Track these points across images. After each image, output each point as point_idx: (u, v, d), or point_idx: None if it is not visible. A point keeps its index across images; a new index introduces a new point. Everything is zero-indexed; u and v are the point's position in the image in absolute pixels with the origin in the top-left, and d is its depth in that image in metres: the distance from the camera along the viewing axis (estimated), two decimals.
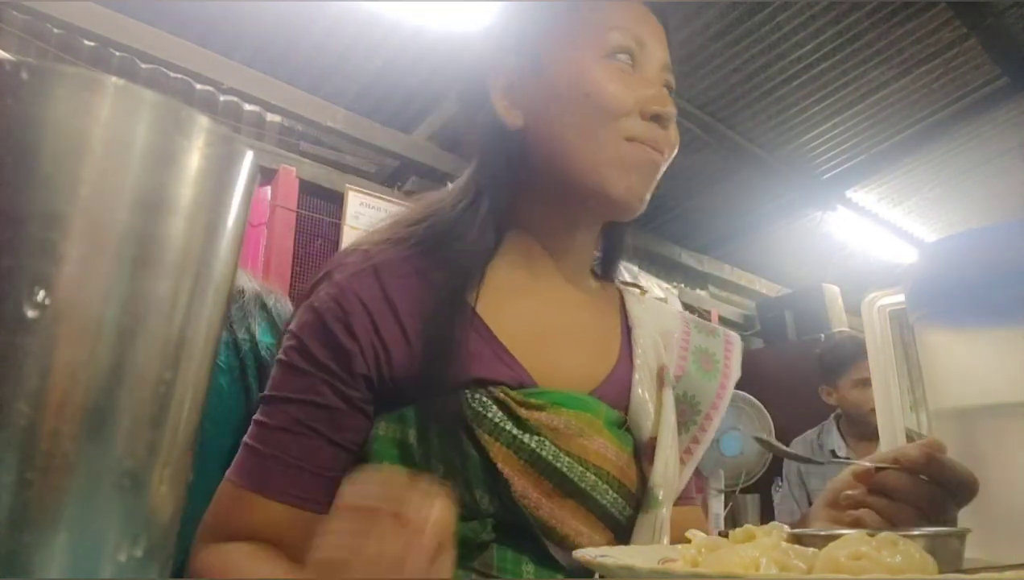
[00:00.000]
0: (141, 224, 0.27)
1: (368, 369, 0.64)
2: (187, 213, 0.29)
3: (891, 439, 0.82)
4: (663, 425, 0.72)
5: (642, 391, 0.72)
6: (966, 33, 3.03)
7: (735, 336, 0.87)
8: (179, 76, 2.55)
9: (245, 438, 0.65)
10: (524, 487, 0.62)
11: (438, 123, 3.03)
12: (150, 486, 0.28)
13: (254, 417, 0.65)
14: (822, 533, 0.44)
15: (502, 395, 0.64)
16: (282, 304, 0.87)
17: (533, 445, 0.63)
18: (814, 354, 2.74)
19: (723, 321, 4.46)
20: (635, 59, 0.70)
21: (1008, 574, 0.41)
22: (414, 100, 2.95)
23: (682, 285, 4.33)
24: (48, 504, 0.25)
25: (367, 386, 0.65)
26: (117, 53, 2.43)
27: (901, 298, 0.76)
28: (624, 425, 0.71)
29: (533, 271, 0.75)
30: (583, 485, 0.64)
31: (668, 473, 0.70)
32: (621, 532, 0.68)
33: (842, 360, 2.57)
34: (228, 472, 0.64)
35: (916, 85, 3.32)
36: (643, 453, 0.70)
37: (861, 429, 2.57)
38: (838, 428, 2.66)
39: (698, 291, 4.46)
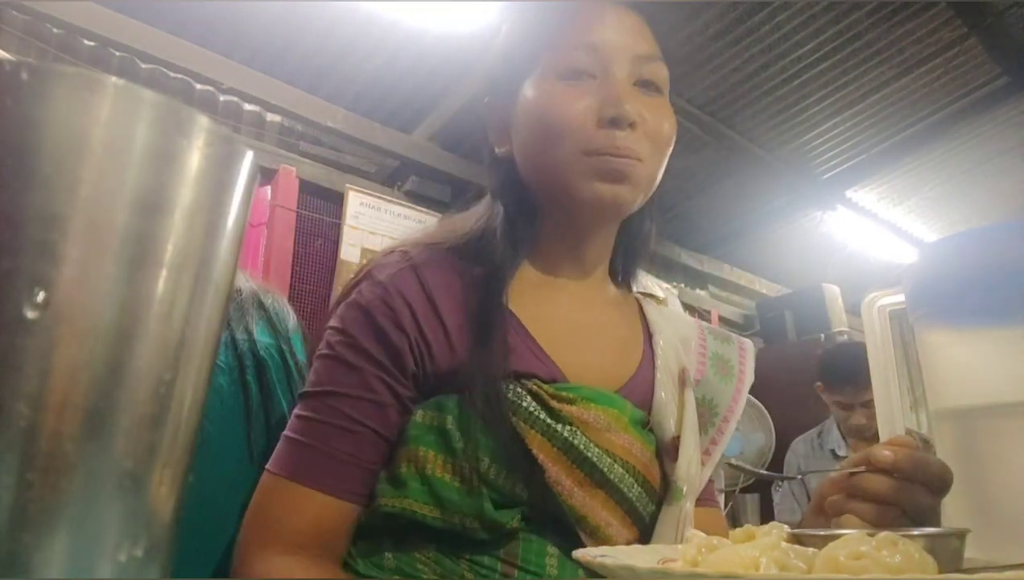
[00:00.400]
0: (141, 224, 0.27)
1: (415, 365, 0.67)
2: (187, 213, 0.29)
3: None
4: (686, 425, 0.74)
5: (664, 393, 0.75)
6: (966, 33, 3.03)
7: (749, 343, 0.91)
8: (179, 76, 2.55)
9: (287, 432, 0.66)
10: (558, 474, 0.64)
11: (438, 123, 3.03)
12: (150, 486, 0.28)
13: (296, 411, 0.67)
14: (822, 533, 0.44)
15: (536, 387, 0.66)
16: (279, 303, 0.87)
17: (566, 434, 0.65)
18: (814, 356, 2.74)
19: (723, 321, 4.46)
20: (595, 68, 0.71)
21: (1008, 574, 0.41)
22: (414, 100, 2.95)
23: (682, 285, 4.33)
24: (48, 504, 0.25)
25: (415, 383, 0.67)
26: (117, 53, 2.43)
27: (901, 298, 0.76)
28: (647, 425, 0.73)
29: (559, 275, 0.79)
30: (612, 476, 0.66)
31: (691, 470, 0.72)
32: (644, 527, 0.70)
33: (827, 380, 2.57)
34: (273, 467, 0.65)
35: (916, 85, 3.33)
36: (665, 452, 0.73)
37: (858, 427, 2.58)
38: (838, 428, 2.66)
39: (698, 291, 4.46)
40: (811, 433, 2.82)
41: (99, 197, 0.26)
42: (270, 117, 2.83)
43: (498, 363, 0.67)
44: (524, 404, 0.65)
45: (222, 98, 2.68)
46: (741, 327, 4.62)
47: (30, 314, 0.25)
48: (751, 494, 3.19)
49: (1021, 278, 0.58)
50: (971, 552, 0.46)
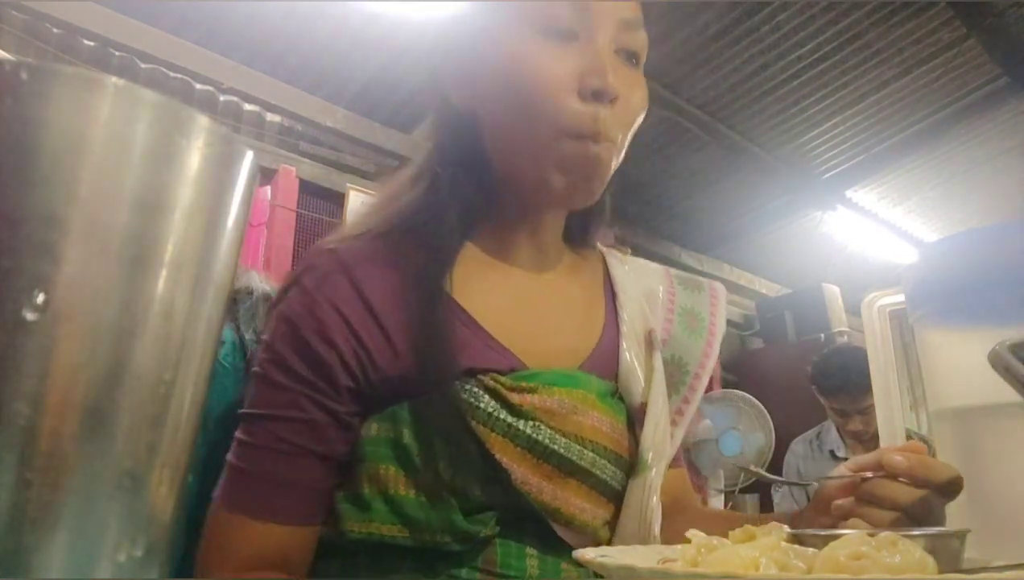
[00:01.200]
0: (141, 224, 0.27)
1: (352, 379, 0.62)
2: (187, 213, 0.29)
3: (891, 439, 0.82)
4: (653, 389, 0.71)
5: (630, 357, 0.72)
6: (966, 33, 3.03)
7: (720, 287, 0.86)
8: (179, 76, 2.55)
9: (229, 457, 0.62)
10: (524, 474, 0.61)
11: None
12: (150, 486, 0.28)
13: (236, 435, 0.63)
14: (822, 533, 0.44)
15: (492, 383, 0.62)
16: None
17: (529, 430, 0.61)
18: (814, 356, 2.74)
19: None
20: (578, 26, 0.63)
21: (1008, 574, 0.41)
22: (414, 99, 2.95)
23: None
24: (48, 504, 0.25)
25: (352, 397, 0.62)
26: (117, 53, 2.43)
27: (901, 298, 0.76)
28: (616, 394, 0.70)
29: (507, 252, 0.72)
30: (582, 463, 0.63)
31: (657, 436, 0.69)
32: (618, 500, 0.68)
33: (821, 388, 2.57)
34: (217, 497, 0.61)
35: (916, 85, 3.33)
36: (635, 419, 0.70)
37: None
38: (837, 428, 2.66)
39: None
40: (810, 434, 2.82)
41: (99, 197, 0.26)
42: (270, 117, 2.82)
43: (447, 363, 0.62)
44: (481, 405, 0.61)
45: (222, 98, 2.68)
46: (741, 327, 4.62)
47: (30, 314, 0.25)
48: (751, 494, 3.19)
49: (1021, 278, 0.58)
50: (971, 552, 0.46)
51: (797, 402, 3.03)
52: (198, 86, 2.61)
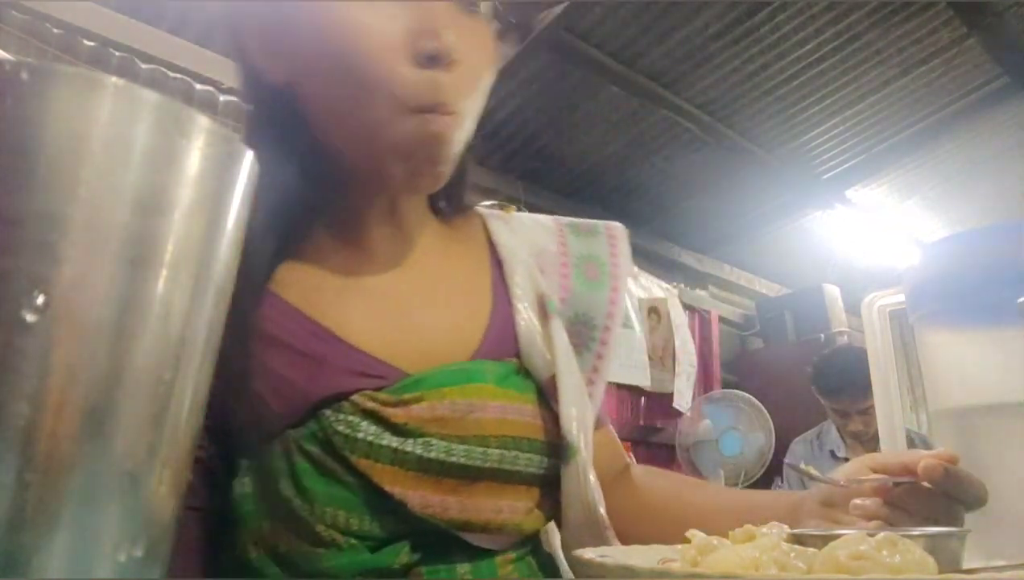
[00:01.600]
0: (141, 224, 0.27)
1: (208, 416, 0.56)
2: (187, 213, 0.29)
3: (891, 439, 0.82)
4: (558, 362, 0.63)
5: (529, 330, 0.64)
6: (966, 33, 3.03)
7: (618, 226, 0.77)
8: (179, 76, 2.55)
9: None
10: (422, 498, 0.54)
11: None
12: (150, 486, 0.28)
13: None
14: (822, 533, 0.44)
15: (369, 403, 0.55)
16: None
17: (419, 451, 0.54)
18: (814, 356, 2.74)
19: (723, 321, 4.46)
20: None
21: (1008, 574, 0.41)
22: None
23: (682, 285, 4.32)
24: (47, 505, 0.25)
25: (211, 436, 0.53)
26: (117, 53, 2.43)
27: (901, 298, 0.76)
28: (520, 370, 0.63)
29: (362, 244, 0.63)
30: (488, 464, 0.56)
31: (577, 414, 0.63)
32: (547, 485, 0.62)
33: (821, 390, 2.57)
34: None
35: (916, 85, 3.32)
36: (547, 393, 0.63)
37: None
38: (837, 428, 2.66)
39: (698, 291, 4.45)
40: (810, 434, 2.82)
41: (99, 197, 0.26)
42: None
43: (304, 389, 0.53)
44: (360, 435, 0.53)
45: (222, 98, 2.68)
46: (741, 327, 4.62)
47: (30, 315, 0.25)
48: None
49: (1021, 278, 0.58)
50: (971, 552, 0.46)
51: (797, 402, 3.03)
52: (198, 86, 2.61)
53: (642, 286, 3.87)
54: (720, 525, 0.66)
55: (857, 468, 0.56)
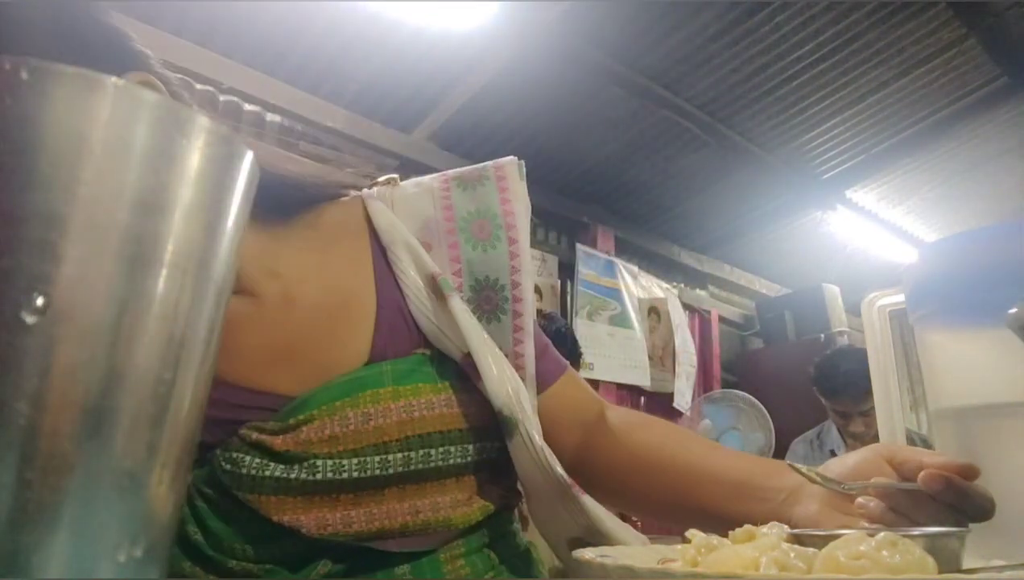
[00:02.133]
0: (141, 224, 0.27)
1: None
2: (187, 213, 0.29)
3: (891, 439, 0.82)
4: (470, 341, 0.60)
5: (426, 317, 0.61)
6: (966, 33, 3.03)
7: (508, 162, 0.70)
8: (179, 76, 2.55)
9: None
10: (319, 519, 0.53)
11: (437, 123, 3.04)
12: (150, 486, 0.28)
13: None
14: (822, 533, 0.44)
15: (255, 436, 0.54)
16: None
17: (304, 476, 0.53)
18: (814, 356, 2.75)
19: (723, 321, 4.46)
20: None
21: (1008, 574, 0.41)
22: (414, 100, 2.95)
23: (682, 285, 4.33)
24: (47, 504, 0.25)
25: None
26: None
27: (901, 298, 0.76)
28: (429, 360, 0.60)
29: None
30: (390, 471, 0.54)
31: (507, 386, 0.60)
32: (485, 470, 0.60)
33: (822, 390, 2.58)
34: None
35: (916, 85, 3.33)
36: (468, 370, 0.60)
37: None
38: (838, 428, 2.67)
39: (698, 291, 4.46)
40: (810, 434, 2.82)
41: (99, 197, 0.26)
42: (270, 117, 2.82)
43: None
44: (243, 471, 0.53)
45: (222, 98, 2.68)
46: (741, 327, 4.62)
47: (29, 314, 0.25)
48: None
49: (1021, 278, 0.58)
50: (971, 552, 0.46)
51: (797, 402, 3.03)
52: (198, 86, 2.61)
53: (642, 286, 3.87)
54: (709, 494, 0.62)
55: (868, 458, 0.55)
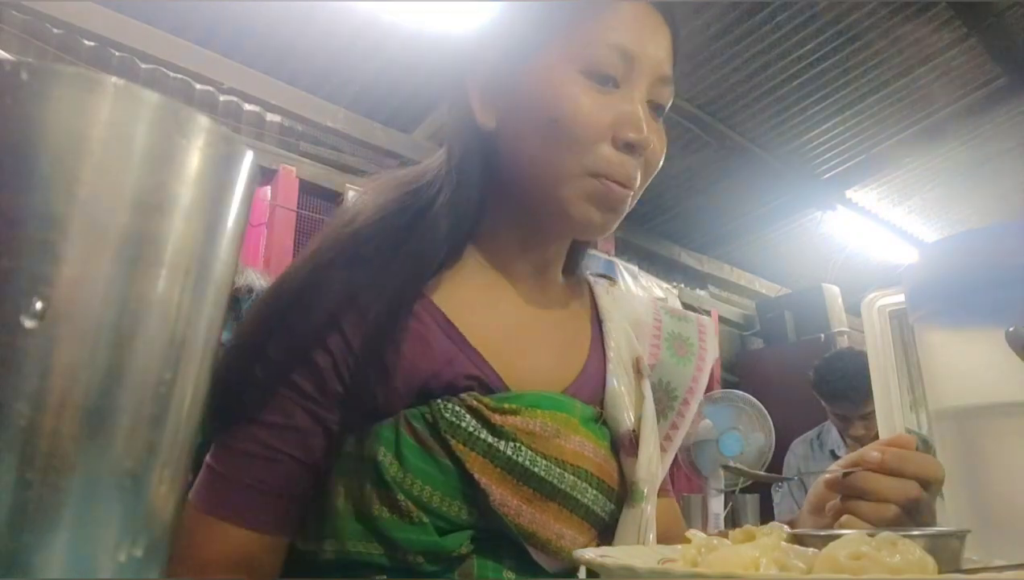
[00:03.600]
0: (141, 224, 0.27)
1: (343, 386, 0.61)
2: (187, 213, 0.29)
3: None
4: (644, 417, 0.70)
5: (617, 383, 0.71)
6: (966, 33, 3.03)
7: (708, 320, 0.86)
8: (179, 76, 2.55)
9: (208, 459, 0.61)
10: (503, 495, 0.60)
11: (438, 123, 3.04)
12: (150, 486, 0.28)
13: (217, 437, 0.62)
14: (822, 533, 0.44)
15: (475, 403, 0.61)
16: None
17: (509, 452, 0.60)
18: (814, 356, 2.74)
19: (723, 321, 4.46)
20: (621, 76, 0.64)
21: (1008, 574, 0.41)
22: (414, 100, 2.95)
23: (682, 285, 4.33)
24: (48, 504, 0.25)
25: (340, 406, 0.62)
26: (117, 53, 2.43)
27: (901, 298, 0.76)
28: (600, 420, 0.69)
29: (503, 272, 0.72)
30: (563, 486, 0.62)
31: (652, 466, 0.69)
32: (605, 529, 0.67)
33: (823, 393, 2.57)
34: (192, 497, 0.60)
35: (916, 85, 3.33)
36: (621, 446, 0.69)
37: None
38: (838, 429, 2.66)
39: (698, 291, 4.46)
40: (810, 434, 2.82)
41: (99, 197, 0.26)
42: (270, 117, 2.83)
43: (425, 375, 0.62)
44: (463, 425, 0.60)
45: (222, 98, 2.68)
46: (741, 327, 4.62)
47: (29, 314, 0.25)
48: (751, 494, 3.19)
49: (1021, 278, 0.58)
50: (971, 552, 0.46)
51: (797, 402, 3.03)
52: (198, 86, 2.61)
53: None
54: None
55: (850, 462, 0.61)
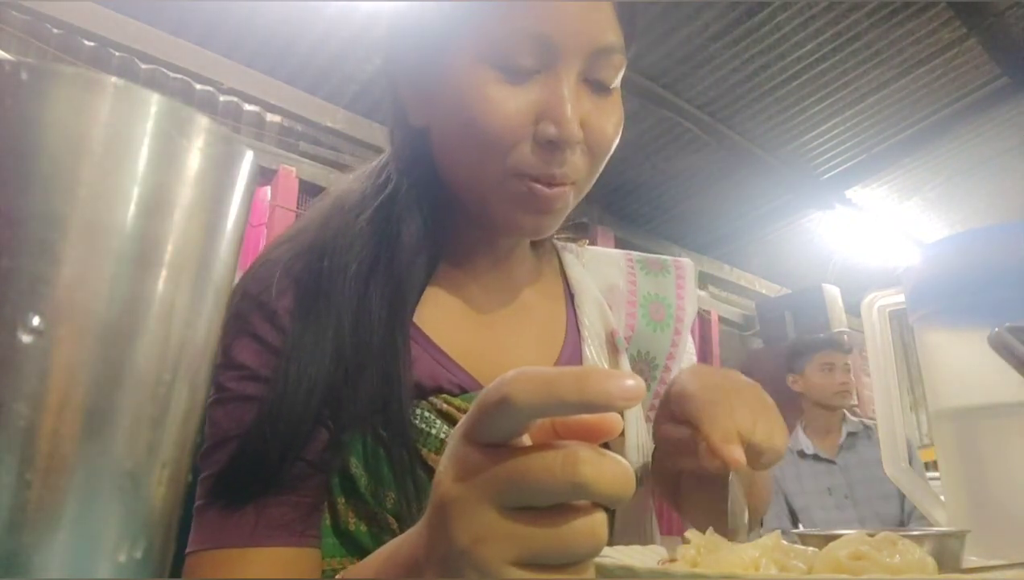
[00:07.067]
0: (141, 224, 0.27)
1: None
2: (187, 213, 0.29)
3: (891, 439, 0.82)
4: None
5: (596, 360, 0.68)
6: (966, 33, 3.03)
7: (686, 263, 0.81)
8: (179, 76, 2.55)
9: (197, 503, 0.56)
10: None
11: None
12: (150, 487, 0.28)
13: (200, 478, 0.56)
14: (822, 533, 0.44)
15: (445, 406, 0.59)
16: None
17: None
18: (784, 354, 2.81)
19: (723, 321, 4.46)
20: (540, 63, 0.57)
21: (1008, 574, 0.41)
22: None
23: None
24: (47, 505, 0.25)
25: (331, 417, 0.58)
26: (117, 53, 2.43)
27: (901, 298, 0.76)
28: None
29: (469, 265, 0.68)
30: None
31: (640, 445, 0.67)
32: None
33: (809, 345, 2.66)
34: (195, 545, 0.55)
35: (916, 85, 3.33)
36: None
37: (822, 421, 2.65)
38: (801, 429, 2.71)
39: (698, 291, 4.46)
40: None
41: (99, 197, 0.26)
42: (270, 117, 2.83)
43: (397, 386, 0.58)
44: (433, 431, 0.58)
45: (222, 98, 2.68)
46: (741, 327, 4.62)
47: (29, 315, 0.25)
48: None
49: (1020, 278, 0.58)
50: (971, 552, 0.46)
51: (797, 402, 3.03)
52: (198, 86, 2.61)
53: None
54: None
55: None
